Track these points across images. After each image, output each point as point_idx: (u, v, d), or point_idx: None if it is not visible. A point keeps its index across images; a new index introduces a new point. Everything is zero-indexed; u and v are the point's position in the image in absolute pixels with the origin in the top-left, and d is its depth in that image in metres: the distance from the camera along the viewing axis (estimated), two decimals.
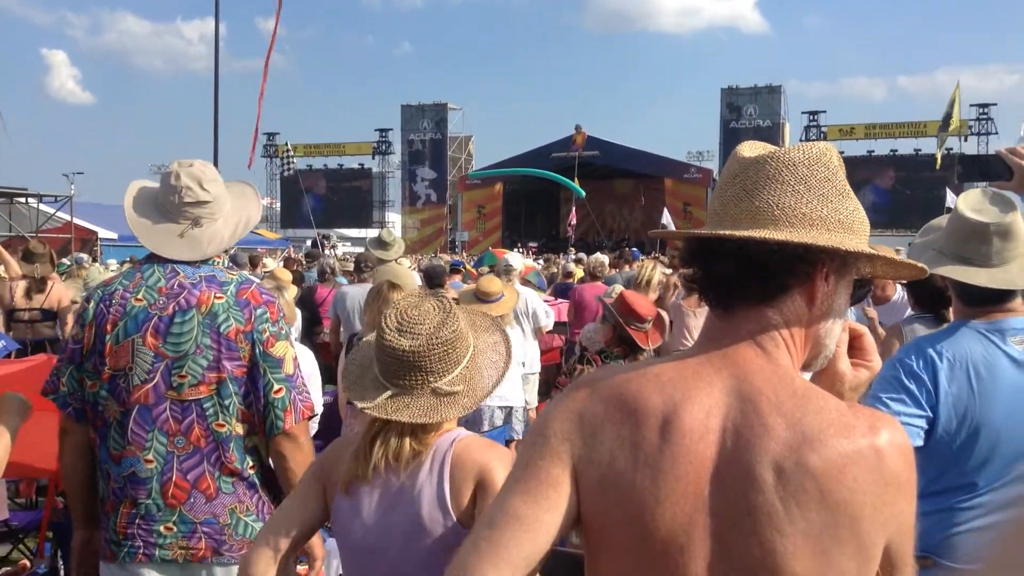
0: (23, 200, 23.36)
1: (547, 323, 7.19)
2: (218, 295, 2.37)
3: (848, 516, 1.07)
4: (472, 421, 5.01)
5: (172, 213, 2.43)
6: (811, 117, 38.82)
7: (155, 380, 2.32)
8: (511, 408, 5.89)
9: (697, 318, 6.18)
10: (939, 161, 27.79)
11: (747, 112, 38.37)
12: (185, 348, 2.32)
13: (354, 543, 1.82)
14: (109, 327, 2.35)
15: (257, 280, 2.57)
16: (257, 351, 2.36)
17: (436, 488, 1.77)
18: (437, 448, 1.82)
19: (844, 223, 1.17)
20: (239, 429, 2.37)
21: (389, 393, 1.80)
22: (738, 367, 1.16)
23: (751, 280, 1.17)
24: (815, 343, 1.22)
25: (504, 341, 1.95)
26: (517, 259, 8.57)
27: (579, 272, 10.41)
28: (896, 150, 37.80)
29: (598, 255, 9.50)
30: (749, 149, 1.24)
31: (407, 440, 1.79)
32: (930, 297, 3.35)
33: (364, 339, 2.02)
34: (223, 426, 2.35)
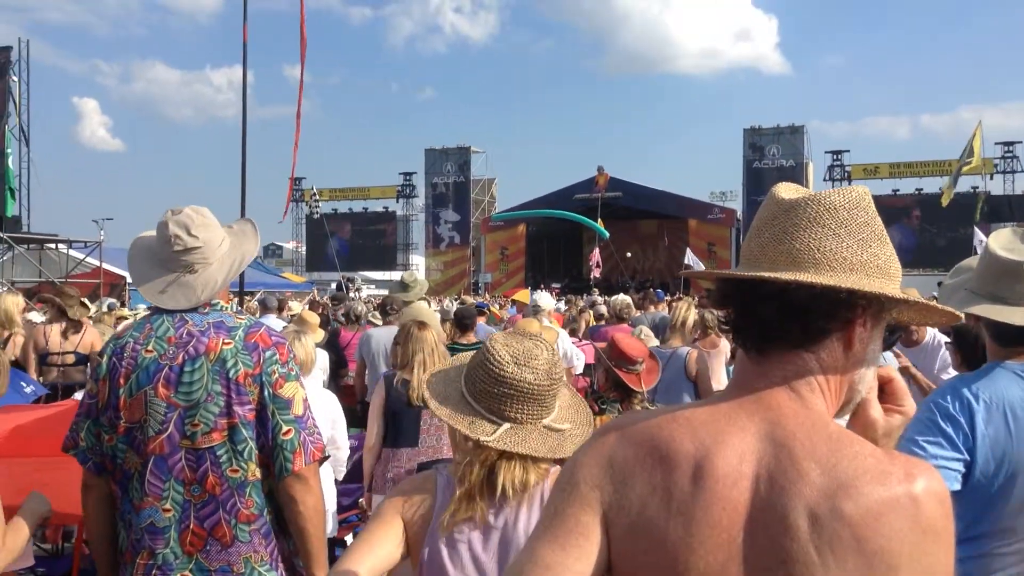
0: (53, 246, 23.79)
1: (577, 365, 7.19)
2: (226, 341, 2.37)
3: (884, 565, 1.04)
4: None
5: (166, 262, 2.44)
6: (835, 157, 38.75)
7: (169, 430, 2.32)
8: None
9: (710, 358, 6.11)
10: (947, 198, 27.41)
11: (770, 152, 38.38)
12: (196, 396, 2.32)
13: None
14: (122, 380, 2.36)
15: (266, 324, 2.57)
16: (266, 393, 2.34)
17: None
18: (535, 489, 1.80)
19: (882, 268, 1.16)
20: (257, 474, 2.36)
21: (508, 426, 1.78)
22: (772, 411, 1.14)
23: (792, 324, 1.15)
24: (849, 389, 1.19)
25: (574, 391, 1.97)
26: (546, 298, 8.56)
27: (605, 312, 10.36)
28: (921, 189, 37.60)
29: (622, 296, 9.46)
30: (787, 191, 1.23)
31: (531, 470, 1.78)
32: (978, 354, 3.29)
33: (434, 372, 1.98)
34: (237, 472, 2.34)
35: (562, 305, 15.06)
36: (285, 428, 2.34)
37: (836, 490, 1.06)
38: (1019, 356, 2.25)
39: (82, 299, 7.47)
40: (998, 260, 2.27)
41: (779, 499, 1.08)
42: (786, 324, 1.15)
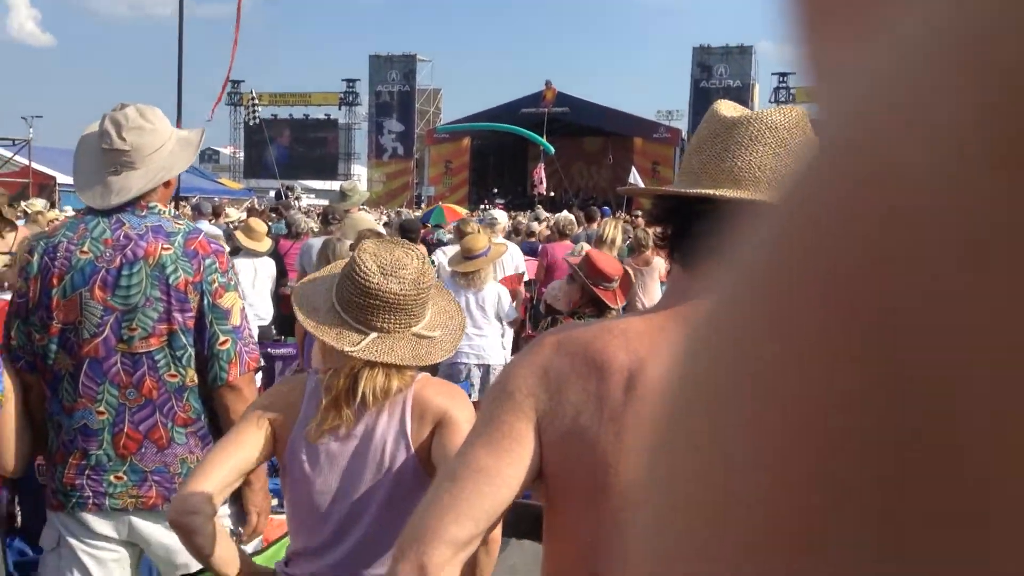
0: None
1: (523, 271, 7.32)
2: (165, 246, 2.33)
3: None
4: (450, 377, 5.05)
5: (98, 157, 2.41)
6: (781, 78, 38.89)
7: (105, 333, 2.30)
8: (489, 365, 5.95)
9: (644, 276, 6.24)
10: None
11: (718, 72, 38.34)
12: (134, 301, 2.30)
13: (312, 489, 1.83)
14: (55, 281, 2.32)
15: (204, 231, 2.53)
16: (206, 302, 2.34)
17: (399, 426, 1.81)
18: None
19: None
20: (195, 379, 2.37)
21: (374, 336, 1.80)
22: None
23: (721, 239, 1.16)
24: None
25: (451, 297, 2.01)
26: (501, 214, 8.89)
27: (543, 230, 10.40)
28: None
29: (565, 213, 9.52)
30: (728, 109, 1.24)
31: (394, 378, 1.81)
32: None
33: (303, 281, 2.02)
34: (175, 376, 2.34)
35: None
36: (222, 338, 2.34)
37: None
38: None
39: (11, 199, 7.16)
40: None
41: None
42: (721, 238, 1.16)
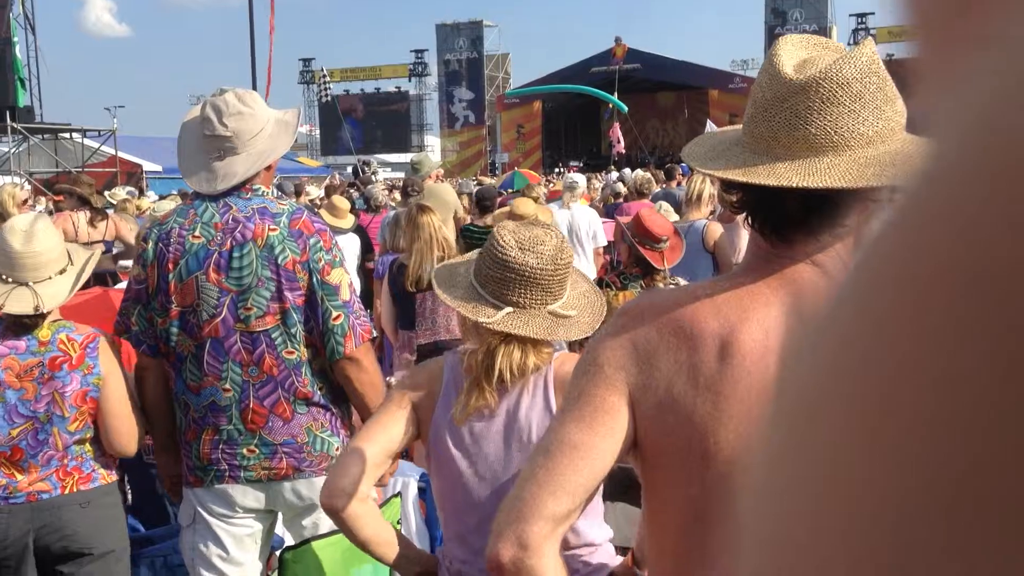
0: (68, 136, 23.66)
1: (601, 244, 7.25)
2: (272, 227, 2.40)
3: None
4: None
5: (201, 144, 2.47)
6: (859, 20, 37.41)
7: (223, 314, 2.39)
8: None
9: (729, 231, 6.05)
10: None
11: (792, 17, 37.05)
12: (247, 281, 2.38)
13: (460, 471, 1.82)
14: (171, 266, 2.40)
15: (306, 208, 2.59)
16: (315, 280, 2.40)
17: (543, 403, 1.79)
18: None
19: (895, 129, 1.15)
20: (307, 354, 2.45)
21: (509, 310, 1.79)
22: (795, 284, 1.15)
23: (815, 218, 1.15)
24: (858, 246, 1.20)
25: (591, 283, 1.98)
26: (581, 178, 8.57)
27: (625, 191, 10.29)
28: (892, 55, 36.38)
29: (640, 171, 9.40)
30: (792, 64, 1.17)
31: (531, 354, 1.79)
32: None
33: (443, 264, 2.02)
34: (292, 353, 2.42)
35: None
36: (335, 313, 2.41)
37: None
38: None
39: (98, 189, 7.42)
40: None
41: None
42: (810, 218, 1.15)
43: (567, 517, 1.16)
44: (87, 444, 2.56)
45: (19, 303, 2.46)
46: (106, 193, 11.26)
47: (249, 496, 2.48)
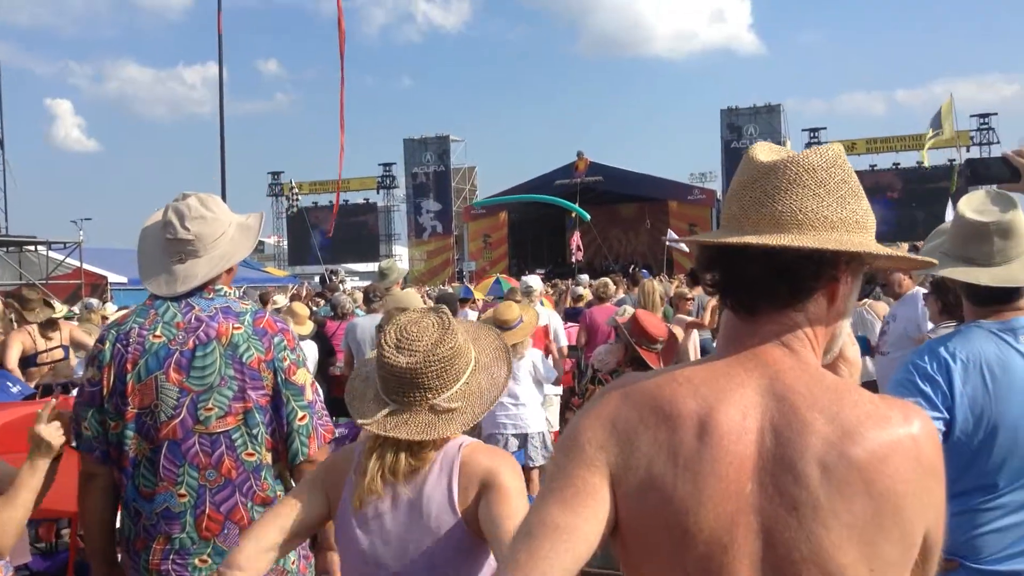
0: (32, 248, 23.55)
1: (564, 345, 7.29)
2: (236, 325, 2.38)
3: (891, 505, 1.09)
4: None
5: (162, 247, 2.46)
6: (812, 134, 38.88)
7: (182, 415, 2.33)
8: (526, 435, 5.88)
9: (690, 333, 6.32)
10: (926, 160, 28.37)
11: (747, 132, 38.46)
12: (210, 381, 2.34)
13: (362, 554, 1.83)
14: (129, 366, 2.35)
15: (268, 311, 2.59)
16: (279, 379, 2.38)
17: (446, 492, 1.80)
18: (445, 454, 1.84)
19: (860, 223, 1.20)
20: (268, 458, 2.39)
21: (388, 410, 1.81)
22: (769, 367, 1.18)
23: (780, 284, 1.19)
24: (831, 339, 1.25)
25: (506, 357, 1.96)
26: (536, 281, 8.73)
27: (587, 295, 10.46)
28: (899, 163, 37.78)
29: (603, 278, 9.58)
30: (764, 152, 1.26)
31: (403, 456, 1.81)
32: (956, 303, 3.38)
33: (367, 356, 2.05)
34: (252, 455, 2.37)
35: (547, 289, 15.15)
36: (300, 414, 2.39)
37: (842, 436, 1.11)
38: (995, 315, 2.31)
39: (45, 299, 7.36)
40: (967, 222, 2.32)
41: (786, 450, 1.12)
42: (774, 284, 1.19)
43: None
44: None
45: None
46: (94, 302, 11.21)
47: None
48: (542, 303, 8.16)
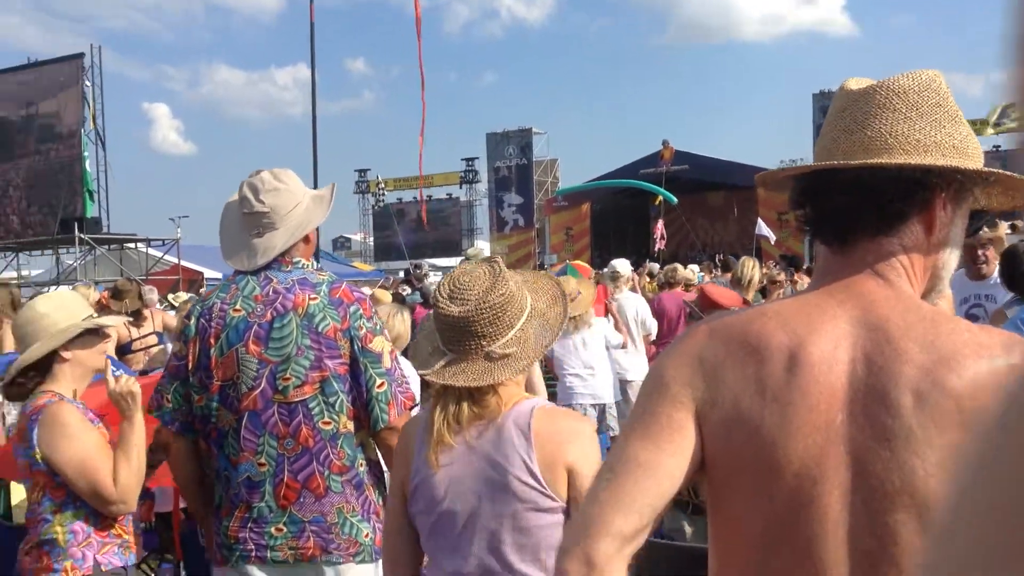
0: (132, 245, 24.53)
1: (653, 331, 7.19)
2: (312, 296, 2.41)
3: None
4: None
5: (240, 223, 2.52)
6: None
7: (261, 386, 2.37)
8: (604, 405, 5.88)
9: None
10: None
11: None
12: (287, 351, 2.37)
13: (439, 513, 1.84)
14: (212, 340, 2.41)
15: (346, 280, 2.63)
16: (356, 347, 2.39)
17: (518, 451, 1.78)
18: (518, 414, 1.82)
19: (959, 148, 1.14)
20: (349, 426, 2.40)
21: (446, 360, 1.84)
22: (862, 298, 1.15)
23: (868, 211, 1.15)
24: (933, 274, 1.20)
25: (562, 301, 1.95)
26: (624, 265, 8.06)
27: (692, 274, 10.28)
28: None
29: (674, 264, 9.38)
30: (855, 82, 1.23)
31: (464, 404, 1.83)
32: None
33: (429, 313, 2.09)
34: (329, 424, 2.38)
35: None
36: (379, 381, 2.40)
37: (937, 364, 1.07)
38: None
39: (139, 291, 7.67)
40: None
41: (879, 379, 1.09)
42: (863, 211, 1.16)
43: (634, 537, 1.13)
44: (60, 526, 2.46)
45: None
46: (170, 296, 11.68)
47: None
48: (627, 288, 7.97)
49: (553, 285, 2.01)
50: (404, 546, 1.91)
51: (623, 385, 6.96)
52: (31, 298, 2.89)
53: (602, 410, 5.94)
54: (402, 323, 4.28)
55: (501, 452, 1.80)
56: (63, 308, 2.58)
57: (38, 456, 2.42)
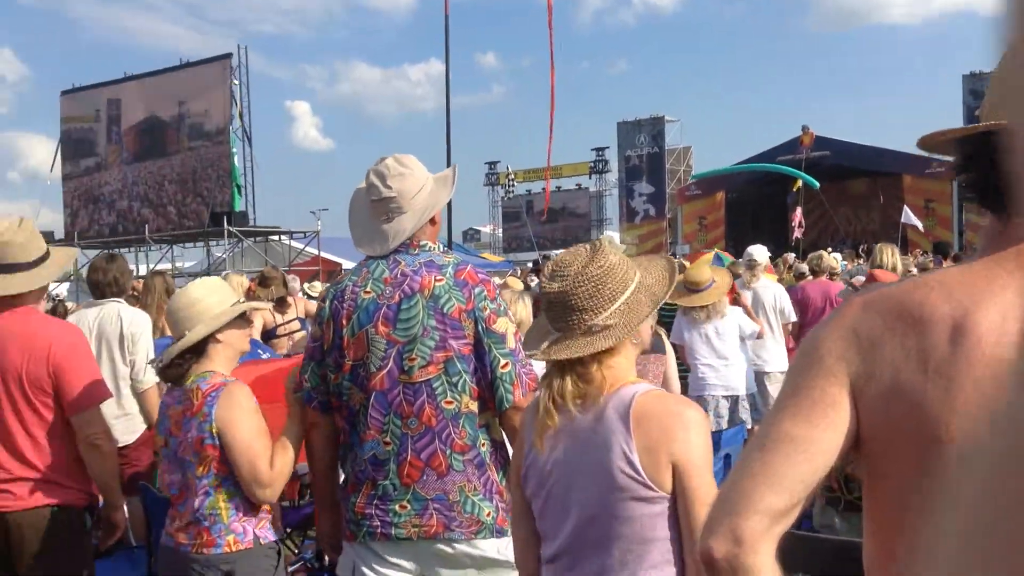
0: (276, 238, 25.68)
1: (792, 320, 6.95)
2: (438, 278, 2.46)
3: None
4: None
5: (369, 210, 2.59)
6: None
7: (389, 366, 2.44)
8: (737, 396, 5.71)
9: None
10: None
11: None
12: (414, 332, 2.42)
13: (547, 494, 1.85)
14: (344, 321, 2.49)
15: (471, 262, 2.68)
16: (480, 328, 2.42)
17: (618, 438, 1.75)
18: (620, 400, 1.79)
19: None
20: (471, 406, 2.44)
21: (552, 338, 1.84)
22: None
23: None
24: None
25: (670, 275, 1.93)
26: (761, 251, 7.78)
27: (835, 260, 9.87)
28: None
29: (819, 251, 8.93)
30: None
31: (568, 379, 1.83)
32: None
33: None
34: (451, 403, 2.42)
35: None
36: (503, 361, 2.42)
37: None
38: None
39: (284, 279, 8.03)
40: None
41: None
42: None
43: (785, 515, 1.08)
44: (223, 501, 2.59)
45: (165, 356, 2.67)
46: (305, 286, 12.19)
47: (399, 555, 2.46)
48: (765, 276, 7.70)
49: (666, 262, 2.01)
50: (527, 526, 1.93)
51: (759, 377, 6.74)
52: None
53: (735, 401, 5.77)
54: (524, 308, 4.28)
55: (601, 439, 1.78)
56: (215, 293, 2.72)
57: (214, 431, 2.56)
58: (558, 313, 1.85)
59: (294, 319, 7.59)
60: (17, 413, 2.94)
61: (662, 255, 2.09)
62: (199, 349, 2.65)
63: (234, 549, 2.57)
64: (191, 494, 2.60)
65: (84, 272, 6.82)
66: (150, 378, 4.34)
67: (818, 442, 1.09)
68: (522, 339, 2.26)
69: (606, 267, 1.84)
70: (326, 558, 4.20)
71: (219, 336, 2.67)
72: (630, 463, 1.74)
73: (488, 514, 2.44)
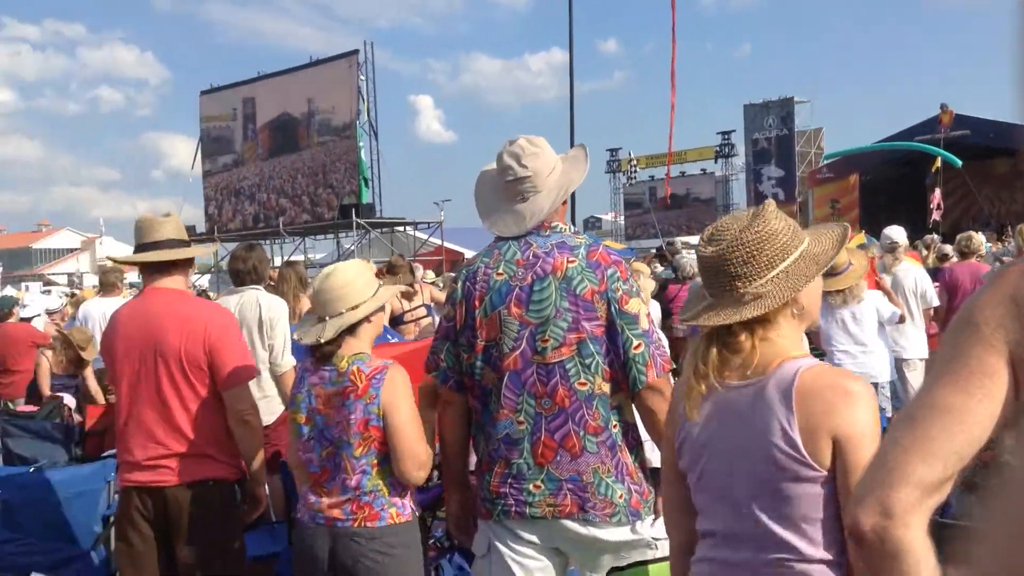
0: (401, 229, 26.31)
1: (934, 305, 6.62)
2: (570, 259, 2.46)
3: None
4: None
5: (502, 192, 2.59)
6: None
7: (522, 347, 2.46)
8: (876, 384, 5.46)
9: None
10: None
11: None
12: (546, 313, 2.43)
13: (702, 468, 1.79)
14: (477, 303, 2.52)
15: (603, 243, 2.65)
16: (613, 309, 2.41)
17: (779, 417, 1.67)
18: (782, 376, 1.69)
19: None
20: (604, 388, 2.43)
21: (706, 303, 1.79)
22: None
23: None
24: None
25: (838, 244, 1.82)
26: (899, 232, 7.29)
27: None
28: None
29: (968, 232, 8.38)
30: None
31: (714, 347, 1.77)
32: None
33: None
34: (585, 384, 2.42)
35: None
36: (636, 342, 2.41)
37: None
38: None
39: (411, 267, 8.27)
40: None
41: None
42: None
43: (938, 488, 1.04)
44: (381, 479, 2.69)
45: (309, 336, 2.72)
46: (418, 274, 12.61)
47: (533, 533, 2.48)
48: (905, 259, 7.34)
49: (841, 230, 1.90)
50: (680, 498, 1.90)
51: (899, 364, 6.43)
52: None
53: (874, 389, 5.55)
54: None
55: (760, 415, 1.70)
56: (363, 276, 2.82)
57: (380, 412, 2.66)
58: (711, 278, 1.80)
59: (420, 306, 7.77)
60: (176, 390, 3.12)
61: (840, 223, 1.98)
62: (352, 329, 2.73)
63: (398, 521, 2.69)
64: (341, 472, 2.68)
65: (224, 264, 7.18)
66: (288, 361, 4.51)
67: (974, 412, 1.06)
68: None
69: (765, 233, 1.75)
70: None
71: (372, 317, 2.76)
72: (790, 441, 1.66)
73: (620, 496, 2.44)
